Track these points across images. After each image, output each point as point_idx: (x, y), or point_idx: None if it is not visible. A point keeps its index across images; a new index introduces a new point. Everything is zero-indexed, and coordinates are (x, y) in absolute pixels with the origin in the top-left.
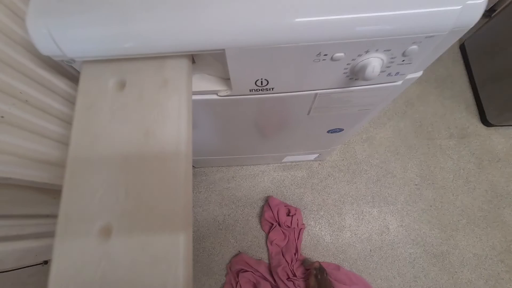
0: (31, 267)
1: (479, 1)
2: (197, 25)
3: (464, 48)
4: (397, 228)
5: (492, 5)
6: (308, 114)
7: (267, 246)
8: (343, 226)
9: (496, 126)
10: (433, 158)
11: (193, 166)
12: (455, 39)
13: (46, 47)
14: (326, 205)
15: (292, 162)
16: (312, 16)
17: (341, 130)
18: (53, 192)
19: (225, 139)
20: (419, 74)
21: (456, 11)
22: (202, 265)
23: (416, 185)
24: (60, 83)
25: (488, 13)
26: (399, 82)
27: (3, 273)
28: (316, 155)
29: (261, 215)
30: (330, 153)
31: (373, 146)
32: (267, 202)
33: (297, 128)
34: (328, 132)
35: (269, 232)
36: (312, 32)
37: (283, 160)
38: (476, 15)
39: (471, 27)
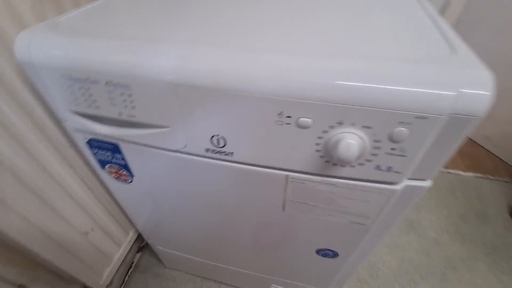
0: None
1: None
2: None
3: None
4: None
5: None
6: (284, 210)
7: None
8: None
9: None
10: None
11: (163, 264)
12: (460, 132)
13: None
14: None
15: None
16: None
17: (335, 254)
18: None
19: (193, 226)
20: (426, 183)
21: (450, 96)
22: None
23: None
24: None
25: None
26: (397, 186)
27: None
28: None
29: None
30: None
31: None
32: None
33: (276, 232)
34: (317, 253)
35: None
36: (266, 80)
37: None
38: (479, 104)
39: (477, 117)
